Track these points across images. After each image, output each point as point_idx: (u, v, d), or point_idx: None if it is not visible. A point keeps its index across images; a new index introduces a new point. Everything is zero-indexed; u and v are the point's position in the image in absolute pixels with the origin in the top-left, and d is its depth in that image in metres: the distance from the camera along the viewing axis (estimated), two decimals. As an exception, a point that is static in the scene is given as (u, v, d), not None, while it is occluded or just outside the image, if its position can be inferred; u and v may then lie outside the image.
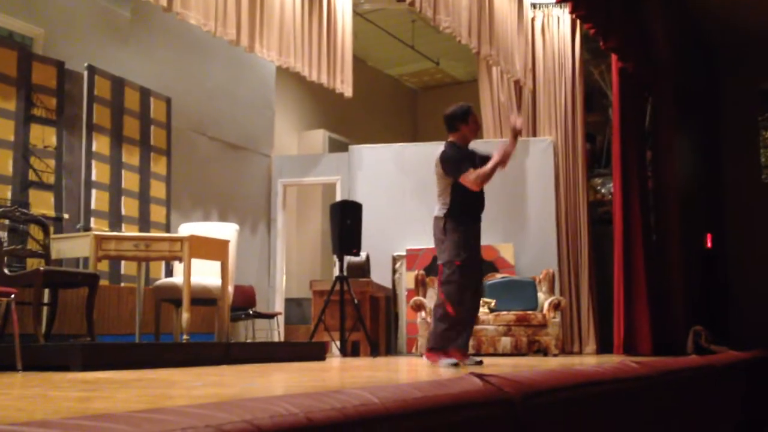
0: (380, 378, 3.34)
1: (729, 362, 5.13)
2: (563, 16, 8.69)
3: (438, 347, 4.61)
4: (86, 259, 5.24)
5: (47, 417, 1.60)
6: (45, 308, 4.96)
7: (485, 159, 4.79)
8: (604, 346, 8.00)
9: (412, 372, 4.24)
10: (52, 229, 5.25)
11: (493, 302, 7.33)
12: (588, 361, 5.57)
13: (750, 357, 5.55)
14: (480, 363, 4.61)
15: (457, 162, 4.64)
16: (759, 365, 5.69)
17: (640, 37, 7.80)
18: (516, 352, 7.01)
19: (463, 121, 4.79)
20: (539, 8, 8.81)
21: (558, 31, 8.76)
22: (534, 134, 8.71)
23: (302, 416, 1.48)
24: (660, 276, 7.71)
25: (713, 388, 4.62)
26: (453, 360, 4.49)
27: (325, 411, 1.55)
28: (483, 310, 7.28)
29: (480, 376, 2.32)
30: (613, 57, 7.79)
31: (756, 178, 10.72)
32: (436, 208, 4.73)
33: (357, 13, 8.43)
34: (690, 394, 4.14)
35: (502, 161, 4.66)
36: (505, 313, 7.14)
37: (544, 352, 6.98)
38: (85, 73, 6.36)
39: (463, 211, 4.68)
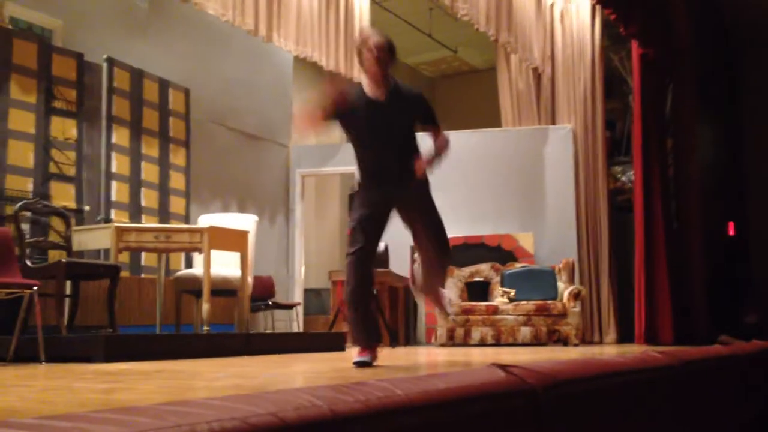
0: (400, 368, 3.34)
1: (752, 351, 5.08)
2: (582, 2, 8.58)
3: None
4: (107, 251, 5.28)
5: (72, 410, 1.61)
6: (67, 300, 5.00)
7: (425, 112, 3.62)
8: (624, 336, 7.94)
9: (433, 362, 4.23)
10: (73, 221, 5.29)
11: (512, 292, 7.30)
12: (609, 351, 5.54)
13: (774, 346, 5.48)
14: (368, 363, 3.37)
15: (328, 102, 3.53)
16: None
17: (661, 23, 7.70)
18: (536, 341, 6.98)
19: (358, 54, 3.53)
20: (558, -6, 8.72)
21: (577, 17, 8.66)
22: (553, 122, 8.64)
23: (326, 409, 1.47)
24: (681, 265, 7.63)
25: (737, 378, 4.58)
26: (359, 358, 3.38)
27: (349, 403, 1.55)
28: (502, 300, 7.26)
29: (503, 366, 2.30)
30: (634, 43, 7.69)
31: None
32: None
33: (374, 2, 8.39)
34: (713, 384, 4.10)
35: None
36: (524, 302, 7.11)
37: (564, 341, 6.95)
38: (105, 65, 6.39)
39: (366, 179, 3.65)
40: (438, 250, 3.67)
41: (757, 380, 5.08)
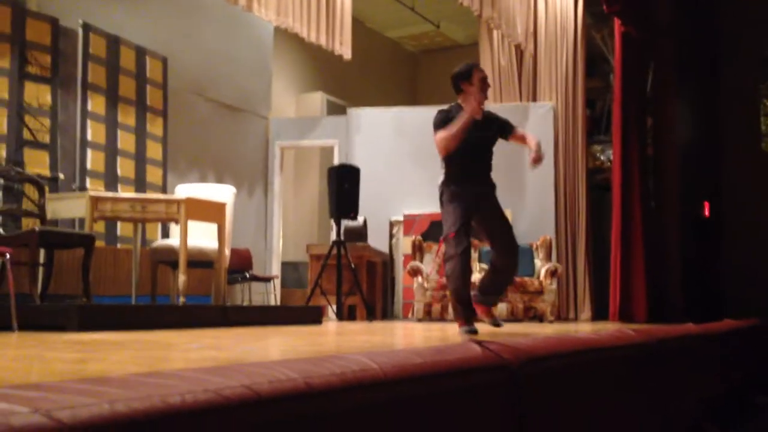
0: (377, 343, 3.34)
1: (725, 330, 5.15)
2: (566, -21, 8.55)
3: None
4: (82, 220, 5.20)
5: (43, 379, 1.58)
6: (41, 269, 4.94)
7: (503, 127, 4.38)
8: (599, 313, 8.03)
9: (409, 337, 4.24)
10: (47, 188, 5.20)
11: (489, 268, 7.32)
12: (584, 328, 5.59)
13: (746, 325, 5.57)
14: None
15: (439, 125, 4.16)
16: (755, 333, 5.72)
17: (644, 2, 7.68)
18: (512, 318, 7.03)
19: (466, 80, 4.24)
20: (542, -29, 8.67)
21: (561, -6, 8.63)
22: (534, 99, 8.63)
23: (301, 381, 1.46)
24: (657, 243, 7.69)
25: (710, 356, 4.64)
26: (466, 327, 4.14)
27: (325, 377, 1.54)
28: (479, 276, 7.28)
29: (479, 342, 2.31)
30: (616, 21, 7.67)
31: (755, 147, 10.67)
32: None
33: (357, -27, 8.28)
34: (686, 361, 4.15)
35: (466, 123, 4.08)
36: (501, 278, 7.14)
37: (540, 318, 7.01)
38: (80, 31, 6.26)
39: (458, 180, 4.23)
40: (508, 250, 4.30)
41: (729, 358, 5.15)
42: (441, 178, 4.30)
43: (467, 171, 4.26)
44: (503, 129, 4.40)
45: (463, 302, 4.22)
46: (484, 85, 4.28)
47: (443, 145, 4.12)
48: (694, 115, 9.68)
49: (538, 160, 4.25)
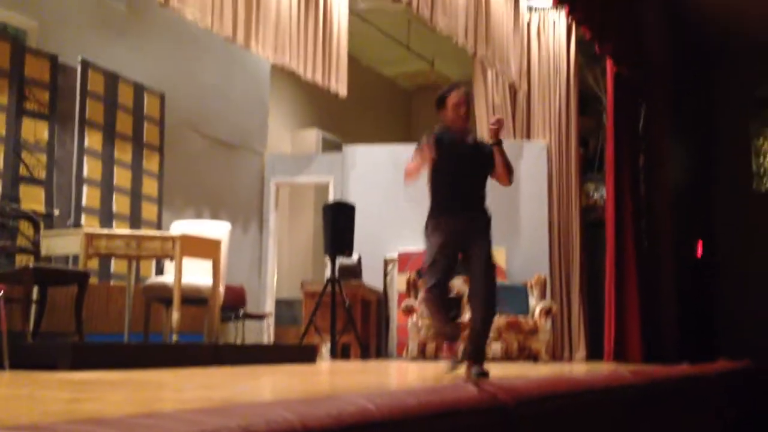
0: (372, 383, 3.32)
1: (720, 372, 5.13)
2: (559, 20, 8.68)
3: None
4: (76, 256, 5.19)
5: (36, 420, 1.57)
6: (33, 306, 4.91)
7: (485, 154, 3.97)
8: (594, 353, 7.99)
9: (404, 377, 4.21)
10: (42, 225, 5.20)
11: (484, 306, 7.30)
12: (579, 369, 5.57)
13: (741, 367, 5.55)
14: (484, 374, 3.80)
15: (421, 142, 3.82)
16: (749, 375, 5.69)
17: (636, 42, 7.81)
18: (506, 357, 6.99)
19: (441, 106, 4.02)
20: (535, 11, 8.81)
21: (554, 34, 8.76)
22: (528, 137, 8.70)
23: (297, 423, 1.45)
24: (651, 282, 7.71)
25: (704, 397, 4.62)
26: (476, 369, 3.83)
27: (321, 418, 1.53)
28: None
29: (475, 383, 2.30)
30: (608, 61, 7.79)
31: (747, 186, 10.75)
32: None
33: (353, 12, 8.39)
34: (681, 403, 4.13)
35: (419, 164, 3.77)
36: (496, 317, 7.11)
37: (535, 358, 6.97)
38: (79, 67, 6.31)
39: (441, 211, 3.92)
40: (477, 296, 3.91)
41: (724, 399, 5.13)
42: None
43: (452, 201, 3.93)
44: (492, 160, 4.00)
45: (451, 340, 4.06)
46: (457, 109, 3.95)
47: (407, 171, 3.85)
48: (686, 154, 9.77)
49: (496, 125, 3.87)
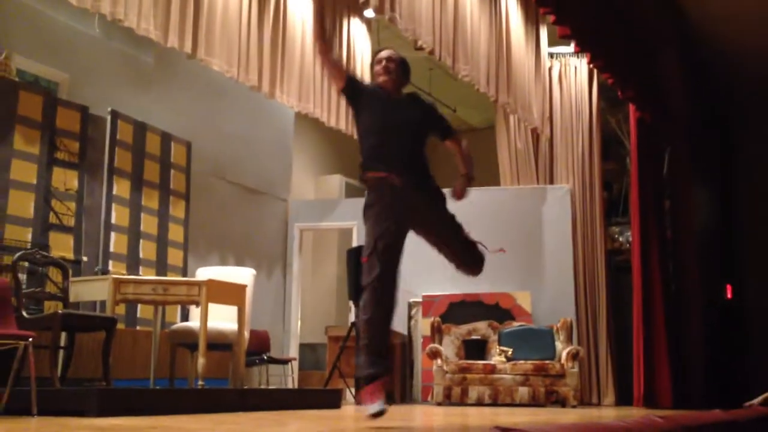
0: (397, 429, 3.29)
1: (753, 417, 5.02)
2: (581, 65, 8.76)
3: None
4: (103, 302, 5.24)
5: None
6: (61, 352, 4.95)
7: (434, 119, 3.71)
8: (622, 398, 7.85)
9: (429, 423, 4.17)
10: (70, 271, 5.26)
11: (510, 351, 7.24)
12: (608, 414, 5.47)
13: (774, 412, 5.42)
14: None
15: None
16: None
17: (657, 88, 7.85)
18: (533, 402, 6.89)
19: (371, 72, 3.76)
20: (557, 58, 8.89)
21: (575, 80, 8.83)
22: (551, 182, 8.71)
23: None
24: (680, 326, 7.60)
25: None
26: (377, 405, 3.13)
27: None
28: (500, 359, 7.19)
29: (504, 429, 2.27)
30: (631, 107, 7.82)
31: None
32: None
33: (375, 61, 8.54)
34: (715, 450, 4.03)
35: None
36: (522, 362, 7.05)
37: (562, 402, 6.86)
38: (108, 118, 6.46)
39: (375, 170, 3.43)
40: (466, 259, 3.55)
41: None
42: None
43: (386, 157, 3.42)
44: (434, 120, 3.68)
45: (375, 355, 3.20)
46: (377, 67, 3.63)
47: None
48: (712, 197, 9.71)
49: (461, 194, 3.62)
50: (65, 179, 6.05)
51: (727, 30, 8.55)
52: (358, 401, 3.37)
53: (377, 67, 3.63)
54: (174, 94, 7.47)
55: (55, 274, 5.23)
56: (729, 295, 9.72)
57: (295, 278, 8.90)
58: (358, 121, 3.62)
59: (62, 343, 4.93)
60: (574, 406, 6.78)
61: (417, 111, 3.62)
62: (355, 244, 8.36)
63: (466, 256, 3.61)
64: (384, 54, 3.65)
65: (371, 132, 3.50)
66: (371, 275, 3.24)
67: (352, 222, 8.90)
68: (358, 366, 3.29)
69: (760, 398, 5.15)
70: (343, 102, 7.52)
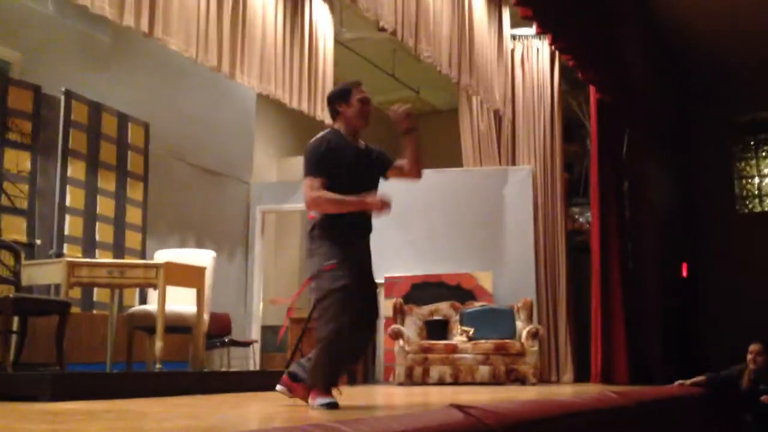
0: (358, 409, 3.29)
1: (706, 392, 5.13)
2: (543, 47, 8.79)
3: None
4: (58, 286, 5.14)
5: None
6: (14, 336, 4.85)
7: (383, 162, 3.61)
8: (581, 375, 7.98)
9: (391, 403, 4.18)
10: (23, 255, 5.15)
11: (471, 330, 7.29)
12: (566, 391, 5.55)
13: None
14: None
15: (317, 164, 3.36)
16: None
17: (618, 70, 7.91)
18: (494, 381, 6.96)
19: (343, 101, 3.49)
20: (519, 40, 8.91)
21: (537, 62, 8.86)
22: (513, 163, 8.76)
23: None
24: (637, 304, 7.73)
25: (691, 418, 4.61)
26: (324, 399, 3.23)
27: (302, 445, 1.51)
28: (461, 339, 7.25)
29: (460, 407, 2.28)
30: (591, 88, 7.88)
31: (731, 209, 10.85)
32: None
33: (338, 42, 8.46)
34: (668, 424, 4.12)
35: (383, 205, 3.34)
36: (483, 341, 7.11)
37: (522, 381, 6.94)
38: (62, 98, 6.30)
39: (343, 223, 3.41)
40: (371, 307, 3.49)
41: (711, 419, 5.12)
42: (316, 218, 3.43)
43: (356, 214, 3.43)
44: (387, 159, 3.66)
45: (336, 360, 3.31)
46: (364, 107, 3.51)
47: (323, 208, 3.36)
48: (670, 178, 9.86)
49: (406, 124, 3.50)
50: (17, 161, 5.91)
51: (685, 7, 8.65)
52: (301, 397, 3.38)
53: (364, 108, 3.51)
54: (132, 74, 7.32)
55: (6, 257, 5.11)
56: (684, 273, 9.91)
57: (257, 260, 8.84)
58: (332, 177, 3.39)
59: (15, 327, 4.82)
60: (533, 384, 6.87)
61: (377, 163, 3.62)
62: (317, 225, 8.32)
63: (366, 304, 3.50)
64: (366, 94, 3.54)
65: (344, 191, 3.39)
66: (335, 284, 3.30)
67: (314, 204, 8.85)
68: (316, 365, 3.31)
69: (691, 380, 5.34)
70: (306, 83, 7.45)
